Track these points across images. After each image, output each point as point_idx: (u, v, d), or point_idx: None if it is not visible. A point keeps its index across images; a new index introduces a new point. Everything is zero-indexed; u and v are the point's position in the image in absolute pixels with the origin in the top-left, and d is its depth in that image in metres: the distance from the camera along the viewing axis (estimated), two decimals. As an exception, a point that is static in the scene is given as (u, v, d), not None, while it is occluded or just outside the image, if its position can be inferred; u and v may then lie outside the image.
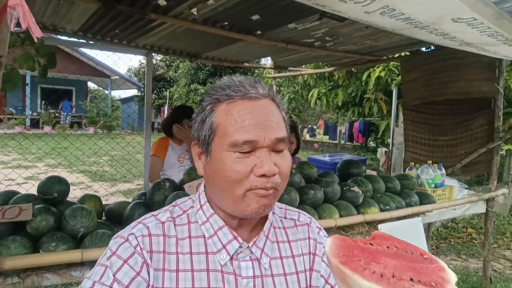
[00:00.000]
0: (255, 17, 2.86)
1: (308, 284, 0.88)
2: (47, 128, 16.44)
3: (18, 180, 6.25)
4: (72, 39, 3.60)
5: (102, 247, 1.64)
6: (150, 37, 3.52)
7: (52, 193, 1.87)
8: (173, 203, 0.89)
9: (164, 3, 2.60)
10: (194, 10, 2.76)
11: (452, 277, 0.53)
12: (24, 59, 1.90)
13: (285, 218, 0.95)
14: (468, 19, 1.42)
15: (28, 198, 1.79)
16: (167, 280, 0.77)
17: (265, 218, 0.88)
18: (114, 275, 0.74)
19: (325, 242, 0.89)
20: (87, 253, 1.57)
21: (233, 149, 0.75)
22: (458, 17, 1.41)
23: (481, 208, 3.54)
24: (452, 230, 5.53)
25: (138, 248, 0.77)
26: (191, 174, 2.30)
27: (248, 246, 0.83)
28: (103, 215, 2.27)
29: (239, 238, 0.82)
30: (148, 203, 2.14)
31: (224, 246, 0.81)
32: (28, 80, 15.84)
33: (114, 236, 0.81)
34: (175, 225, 0.83)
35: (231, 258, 0.81)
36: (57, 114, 18.46)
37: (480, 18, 1.39)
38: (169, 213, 0.85)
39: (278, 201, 0.89)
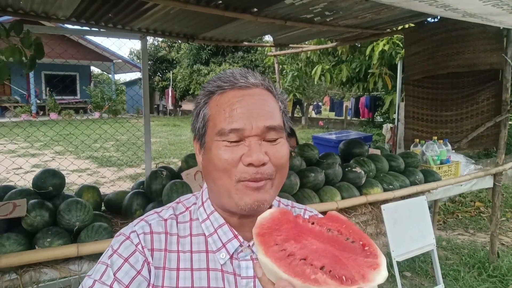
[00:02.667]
0: (250, -6, 2.76)
1: None
2: (53, 115, 16.50)
3: (25, 168, 6.31)
4: (66, 25, 3.53)
5: (99, 241, 1.62)
6: (144, 20, 3.42)
7: (47, 187, 1.85)
8: (177, 200, 0.88)
9: (154, -17, 2.51)
10: (186, -10, 2.66)
11: (378, 278, 0.47)
12: (10, 51, 1.84)
13: None
14: (470, -11, 1.32)
15: (22, 193, 1.77)
16: (167, 279, 0.76)
17: None
18: (114, 274, 0.73)
19: None
20: (82, 248, 1.56)
21: (221, 138, 0.74)
22: (459, -13, 1.32)
23: (488, 183, 3.48)
24: (460, 205, 5.49)
25: (139, 246, 0.76)
26: (189, 162, 2.26)
27: (249, 245, 0.80)
28: (103, 205, 2.26)
29: (240, 237, 0.80)
30: (146, 192, 2.11)
31: (224, 245, 0.79)
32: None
33: (117, 234, 0.81)
34: (177, 222, 0.82)
35: (231, 257, 0.79)
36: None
37: (483, -12, 1.30)
38: (172, 210, 0.84)
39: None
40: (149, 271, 0.76)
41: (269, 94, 0.79)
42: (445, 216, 5.09)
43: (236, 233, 0.80)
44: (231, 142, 0.73)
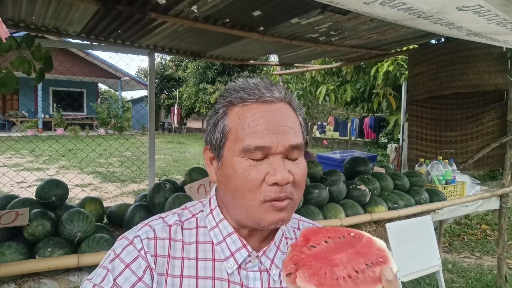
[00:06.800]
0: (257, 13, 2.80)
1: None
2: (59, 130, 16.63)
3: (29, 181, 6.32)
4: (76, 40, 3.60)
5: (99, 252, 1.61)
6: (152, 37, 3.49)
7: (50, 197, 1.85)
8: (183, 206, 0.87)
9: (164, 1, 2.56)
10: (194, 8, 2.71)
11: (382, 244, 0.60)
12: (19, 62, 1.87)
13: (298, 229, 0.91)
14: (473, 6, 1.34)
15: (25, 202, 1.77)
16: (170, 286, 0.75)
17: (276, 228, 0.84)
18: (114, 280, 0.72)
19: None
20: (83, 258, 1.54)
21: (245, 155, 0.71)
22: (463, 4, 1.34)
23: (494, 204, 3.43)
24: (466, 227, 5.40)
25: (142, 252, 0.75)
26: (192, 175, 2.26)
27: (257, 256, 0.79)
28: (105, 217, 2.25)
29: (248, 247, 0.79)
30: (149, 205, 2.11)
31: (232, 254, 0.78)
32: (39, 83, 16.01)
33: (120, 237, 0.79)
34: (182, 228, 0.80)
35: (239, 267, 0.78)
36: None
37: (487, 5, 1.31)
38: (178, 216, 0.83)
39: None
40: (152, 277, 0.74)
41: (291, 109, 0.77)
42: (450, 239, 5.01)
43: (245, 242, 0.79)
44: (255, 160, 0.71)
